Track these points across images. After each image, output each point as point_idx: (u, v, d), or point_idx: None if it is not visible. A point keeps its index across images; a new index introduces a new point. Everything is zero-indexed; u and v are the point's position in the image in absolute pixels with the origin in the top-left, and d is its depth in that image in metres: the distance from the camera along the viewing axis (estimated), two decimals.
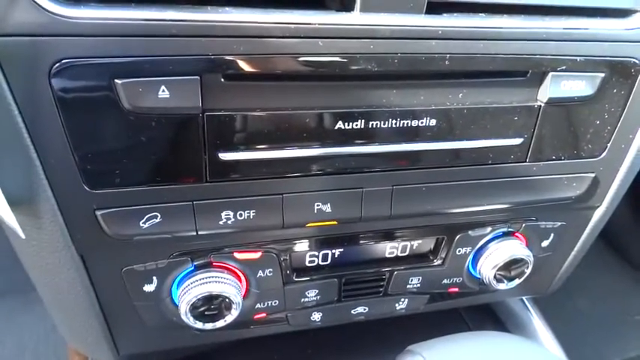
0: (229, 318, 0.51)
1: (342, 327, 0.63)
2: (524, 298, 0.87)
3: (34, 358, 1.54)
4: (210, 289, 0.48)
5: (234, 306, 0.50)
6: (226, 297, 0.49)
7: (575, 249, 0.66)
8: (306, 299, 0.56)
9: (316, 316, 0.59)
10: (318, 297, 0.57)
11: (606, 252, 1.76)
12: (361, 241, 0.56)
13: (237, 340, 0.74)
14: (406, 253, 0.58)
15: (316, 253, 0.55)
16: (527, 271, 0.59)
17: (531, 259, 0.59)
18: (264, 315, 0.56)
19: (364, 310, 0.61)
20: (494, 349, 0.42)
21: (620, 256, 1.74)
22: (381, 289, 0.59)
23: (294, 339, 0.70)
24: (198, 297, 0.48)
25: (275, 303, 0.55)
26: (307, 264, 0.55)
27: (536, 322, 0.84)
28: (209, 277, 0.49)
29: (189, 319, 0.49)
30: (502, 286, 0.59)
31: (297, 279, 0.55)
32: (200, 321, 0.50)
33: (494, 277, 0.59)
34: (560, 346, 0.82)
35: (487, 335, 0.43)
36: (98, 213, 0.43)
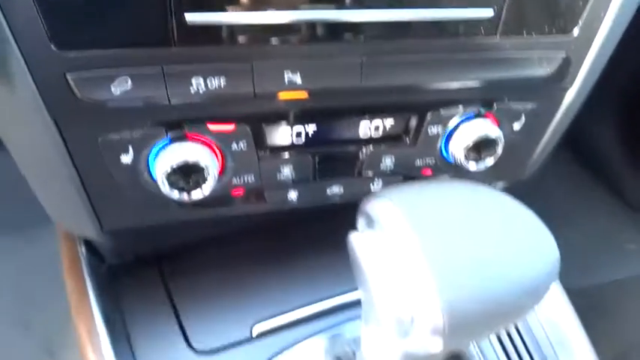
0: (206, 188, 0.52)
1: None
2: None
3: (33, 288, 1.61)
4: (186, 157, 0.50)
5: (209, 178, 0.52)
6: (202, 168, 0.51)
7: (548, 133, 0.67)
8: (282, 176, 0.58)
9: (293, 195, 0.61)
10: (293, 174, 0.59)
11: (601, 189, 1.81)
12: (334, 119, 0.57)
13: (221, 234, 0.78)
14: (379, 133, 0.60)
15: (290, 129, 0.56)
16: (499, 151, 0.61)
17: (502, 139, 0.60)
18: (241, 192, 0.59)
19: (339, 190, 0.63)
20: (469, 197, 0.43)
21: (614, 193, 1.78)
22: (355, 169, 0.61)
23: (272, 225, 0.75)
24: (174, 167, 0.50)
25: (251, 179, 0.57)
26: (281, 140, 0.57)
27: None
28: (184, 148, 0.51)
29: (165, 188, 0.51)
30: (473, 167, 0.61)
31: (271, 154, 0.57)
32: (177, 190, 0.52)
33: (465, 156, 0.60)
34: None
35: (462, 183, 0.44)
36: (69, 76, 0.44)
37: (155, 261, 0.76)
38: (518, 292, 0.38)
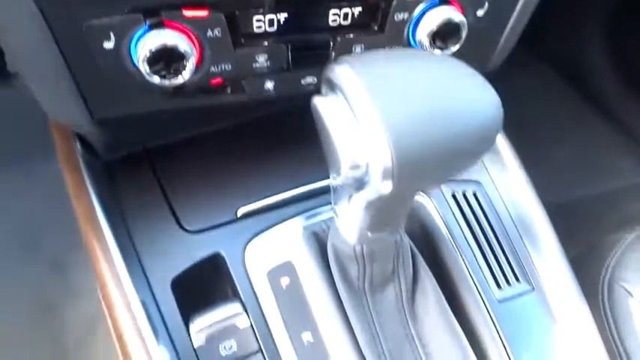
0: (186, 74, 0.57)
1: None
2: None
3: (42, 213, 1.67)
4: (164, 41, 0.54)
5: (188, 63, 0.56)
6: (180, 53, 0.55)
7: (512, 20, 0.70)
8: (258, 65, 0.62)
9: (269, 85, 0.65)
10: (269, 63, 0.62)
11: (590, 108, 1.84)
12: (304, 6, 0.60)
13: (207, 134, 0.83)
14: (348, 21, 0.63)
15: (262, 18, 0.59)
16: (462, 36, 0.64)
17: (465, 24, 0.64)
18: (220, 80, 0.63)
19: (313, 80, 0.67)
20: (419, 58, 0.46)
21: (604, 113, 1.81)
22: (328, 58, 0.65)
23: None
24: (152, 50, 0.54)
25: (228, 67, 0.61)
26: (255, 28, 0.60)
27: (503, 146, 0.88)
28: (163, 34, 0.55)
29: (145, 69, 0.55)
30: (439, 53, 0.65)
31: (246, 42, 0.60)
32: (158, 75, 0.56)
33: (430, 43, 0.64)
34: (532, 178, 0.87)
35: (415, 50, 0.45)
36: None
37: (147, 159, 0.81)
38: (460, 133, 0.43)
